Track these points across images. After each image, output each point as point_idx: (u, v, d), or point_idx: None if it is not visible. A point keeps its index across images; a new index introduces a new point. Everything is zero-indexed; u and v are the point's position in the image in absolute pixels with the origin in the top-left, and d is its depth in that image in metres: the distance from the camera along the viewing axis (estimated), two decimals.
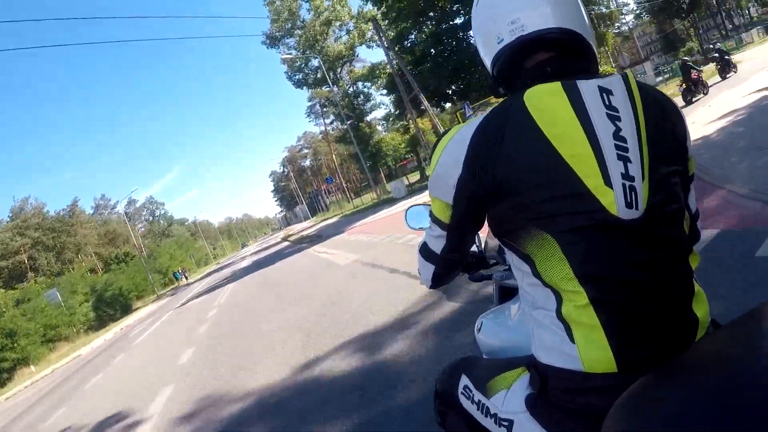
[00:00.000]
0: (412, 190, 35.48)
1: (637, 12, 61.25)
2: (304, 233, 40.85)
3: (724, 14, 62.09)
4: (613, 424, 0.84)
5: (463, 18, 37.29)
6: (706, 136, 9.15)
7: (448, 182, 1.12)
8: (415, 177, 49.81)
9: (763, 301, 0.90)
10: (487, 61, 1.26)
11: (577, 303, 1.00)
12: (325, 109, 57.58)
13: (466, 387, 1.36)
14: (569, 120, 1.02)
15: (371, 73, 42.72)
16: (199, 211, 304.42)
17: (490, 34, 1.20)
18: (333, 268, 12.53)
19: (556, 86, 1.05)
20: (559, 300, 1.02)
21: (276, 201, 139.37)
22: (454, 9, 36.40)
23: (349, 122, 43.09)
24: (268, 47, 46.67)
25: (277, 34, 45.05)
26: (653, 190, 1.02)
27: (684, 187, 1.15)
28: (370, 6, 36.80)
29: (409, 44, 37.24)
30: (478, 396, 1.29)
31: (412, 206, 1.97)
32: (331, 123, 60.40)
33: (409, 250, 10.08)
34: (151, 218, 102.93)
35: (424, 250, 1.36)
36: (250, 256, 47.28)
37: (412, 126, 35.92)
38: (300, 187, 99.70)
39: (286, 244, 40.03)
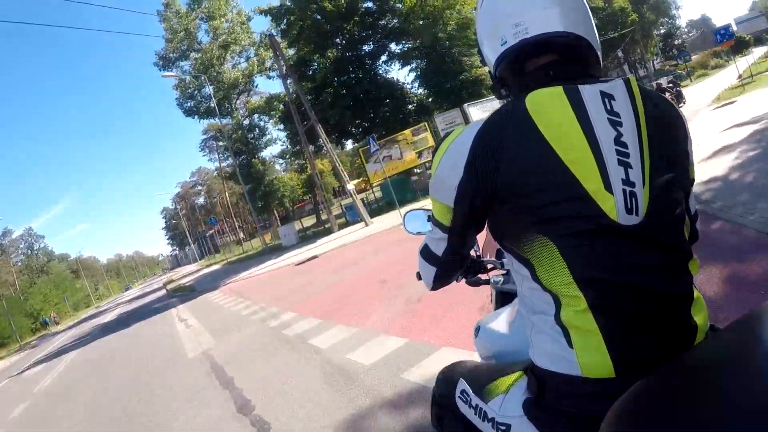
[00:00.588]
0: (305, 237, 32.15)
1: None
2: (183, 281, 38.15)
3: (629, 65, 66.55)
4: (610, 429, 0.84)
5: (371, 46, 34.72)
6: (725, 177, 7.33)
7: (449, 185, 1.13)
8: (311, 221, 46.03)
9: (760, 305, 0.87)
10: (490, 63, 1.25)
11: (576, 308, 1.00)
12: (220, 143, 52.94)
13: (463, 391, 1.35)
14: (570, 124, 1.02)
15: (268, 105, 38.82)
16: (87, 246, 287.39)
17: (493, 35, 1.20)
18: (172, 364, 8.92)
19: (558, 90, 1.05)
20: (558, 304, 1.03)
21: (167, 240, 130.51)
22: (363, 35, 33.66)
23: (241, 158, 39.17)
24: (160, 69, 40.97)
25: (171, 55, 39.91)
26: (654, 195, 1.02)
27: (684, 193, 1.15)
28: (275, 32, 33.33)
29: (310, 72, 33.94)
30: (475, 400, 1.28)
31: (410, 210, 2.00)
32: (227, 158, 55.62)
33: (281, 347, 6.89)
34: (29, 252, 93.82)
35: (426, 252, 1.37)
36: (125, 304, 43.14)
37: (308, 163, 32.29)
38: (192, 226, 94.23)
39: (161, 293, 36.14)
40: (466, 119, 26.44)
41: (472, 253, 1.79)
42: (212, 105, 37.07)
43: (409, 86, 36.13)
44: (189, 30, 38.61)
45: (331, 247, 19.44)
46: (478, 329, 1.75)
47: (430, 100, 34.86)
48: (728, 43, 24.93)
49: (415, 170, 32.08)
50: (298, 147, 35.61)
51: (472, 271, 1.78)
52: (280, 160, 51.86)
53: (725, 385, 0.74)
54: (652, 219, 1.01)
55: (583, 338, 0.99)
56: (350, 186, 23.79)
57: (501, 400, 1.18)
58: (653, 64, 72.21)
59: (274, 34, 29.99)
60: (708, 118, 14.96)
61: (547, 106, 1.04)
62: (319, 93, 32.11)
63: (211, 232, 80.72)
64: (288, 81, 26.53)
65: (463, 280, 1.78)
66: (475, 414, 1.27)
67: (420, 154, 28.45)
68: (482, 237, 1.41)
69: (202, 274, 39.42)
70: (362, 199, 25.17)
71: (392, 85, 34.87)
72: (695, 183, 1.24)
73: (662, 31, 73.46)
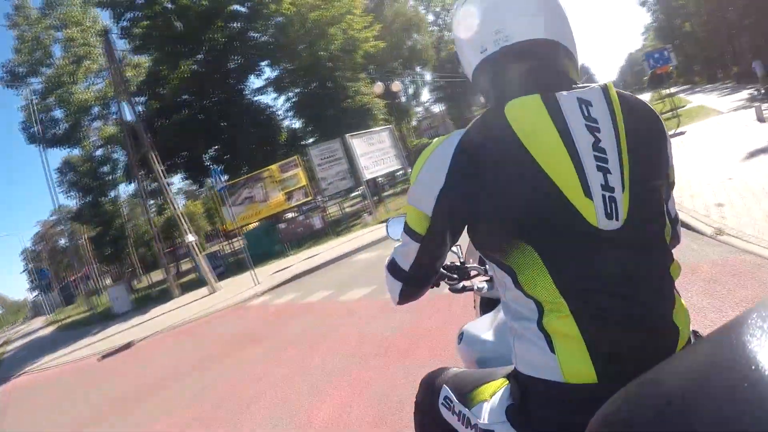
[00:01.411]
0: (146, 298, 25.81)
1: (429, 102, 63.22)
2: (9, 348, 31.50)
3: None
4: None
5: (238, 61, 29.32)
6: None
7: (429, 193, 1.13)
8: (158, 275, 38.02)
9: (744, 310, 0.86)
10: (468, 70, 1.25)
11: (558, 314, 1.01)
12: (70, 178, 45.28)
13: (446, 398, 1.34)
14: (549, 132, 1.03)
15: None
16: None
17: (473, 42, 1.19)
18: None
19: (536, 98, 1.06)
20: (541, 311, 1.04)
21: (29, 284, 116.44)
22: (229, 46, 27.96)
23: (89, 197, 32.78)
24: (6, 86, 32.57)
25: (19, 69, 31.49)
26: (633, 200, 1.04)
27: (665, 196, 1.16)
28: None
29: (164, 90, 28.04)
30: (459, 407, 1.28)
31: (393, 217, 1.93)
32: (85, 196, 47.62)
33: None
34: None
35: (392, 267, 1.33)
36: None
37: (151, 200, 26.39)
38: (55, 271, 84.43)
39: None
40: (348, 152, 22.30)
41: (456, 260, 1.82)
42: (61, 132, 30.85)
43: (281, 113, 31.54)
44: (40, 40, 31.39)
45: (160, 327, 14.36)
46: (461, 335, 1.75)
47: (310, 128, 30.32)
48: (665, 68, 23.03)
49: (285, 215, 27.09)
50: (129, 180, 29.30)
51: (455, 278, 1.74)
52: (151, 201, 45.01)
53: (708, 392, 0.73)
54: (633, 223, 1.02)
55: (565, 344, 0.99)
56: (190, 237, 19.13)
57: (484, 406, 1.18)
58: None
59: (114, 31, 24.29)
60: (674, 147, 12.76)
61: (526, 115, 1.04)
62: (170, 116, 26.69)
63: (74, 278, 71.59)
64: (123, 94, 21.27)
65: (447, 289, 1.77)
66: (459, 420, 1.25)
67: (290, 195, 23.68)
68: (465, 243, 1.44)
69: (35, 337, 32.36)
70: (218, 251, 19.97)
71: (259, 111, 29.97)
72: None
73: None
